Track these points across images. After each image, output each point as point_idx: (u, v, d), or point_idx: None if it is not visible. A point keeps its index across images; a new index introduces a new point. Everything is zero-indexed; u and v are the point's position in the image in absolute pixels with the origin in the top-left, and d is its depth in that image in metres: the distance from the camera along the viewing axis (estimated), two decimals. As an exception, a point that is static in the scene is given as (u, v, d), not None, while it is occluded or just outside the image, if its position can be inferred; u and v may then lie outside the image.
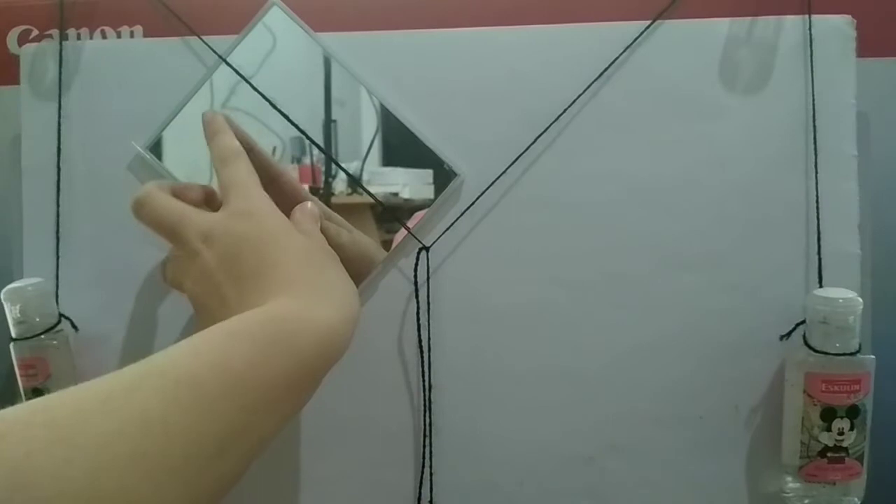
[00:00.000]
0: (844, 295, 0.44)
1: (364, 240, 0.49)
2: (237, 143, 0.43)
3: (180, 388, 0.29)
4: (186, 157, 0.49)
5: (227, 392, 0.30)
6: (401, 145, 0.49)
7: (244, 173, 0.42)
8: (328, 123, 0.49)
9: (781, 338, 0.47)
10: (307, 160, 0.50)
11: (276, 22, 0.49)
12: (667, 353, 0.48)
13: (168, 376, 0.29)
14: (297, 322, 0.35)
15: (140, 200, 0.41)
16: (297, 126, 0.48)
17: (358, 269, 0.47)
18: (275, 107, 0.48)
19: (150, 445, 0.26)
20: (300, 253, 0.39)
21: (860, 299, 0.44)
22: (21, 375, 0.47)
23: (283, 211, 0.44)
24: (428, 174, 0.49)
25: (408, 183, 0.49)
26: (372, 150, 0.49)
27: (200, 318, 0.40)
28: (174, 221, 0.40)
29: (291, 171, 0.50)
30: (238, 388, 0.30)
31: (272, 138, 0.49)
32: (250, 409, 0.31)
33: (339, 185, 0.50)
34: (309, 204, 0.45)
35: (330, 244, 0.44)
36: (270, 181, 0.46)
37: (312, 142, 0.49)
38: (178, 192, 0.44)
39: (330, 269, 0.41)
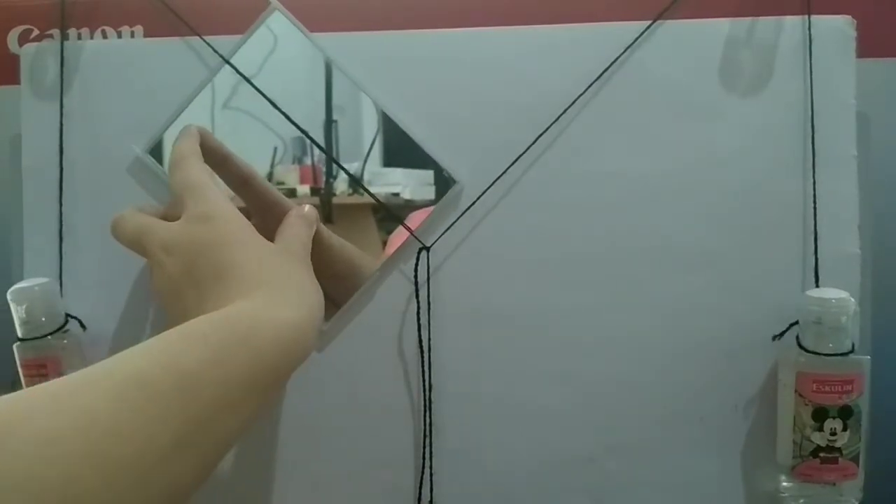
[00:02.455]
0: (837, 295, 0.44)
1: (351, 246, 0.49)
2: (187, 146, 0.43)
3: (129, 387, 0.29)
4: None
5: (179, 391, 0.30)
6: (402, 146, 0.49)
7: (196, 174, 0.41)
8: (329, 124, 0.50)
9: (774, 338, 0.47)
10: (308, 160, 0.50)
11: (277, 25, 0.49)
12: (667, 354, 0.49)
13: (116, 376, 0.29)
14: (254, 321, 0.35)
15: (113, 222, 0.43)
16: (297, 125, 0.49)
17: (342, 272, 0.48)
18: (275, 106, 0.48)
19: (97, 443, 0.27)
20: (260, 254, 0.39)
21: (853, 299, 0.44)
22: (26, 376, 0.47)
23: (259, 213, 0.46)
24: (428, 175, 0.49)
25: (408, 184, 0.49)
26: (373, 151, 0.50)
27: (170, 326, 0.40)
28: (139, 235, 0.41)
29: (291, 171, 0.50)
30: (191, 387, 0.30)
31: (273, 139, 0.50)
32: (206, 408, 0.31)
33: (340, 185, 0.50)
34: (307, 207, 0.45)
35: (320, 245, 0.45)
36: (242, 184, 0.47)
37: (313, 141, 0.49)
38: (166, 212, 0.45)
39: (293, 270, 0.40)
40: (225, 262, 0.38)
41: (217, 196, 0.41)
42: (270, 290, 0.37)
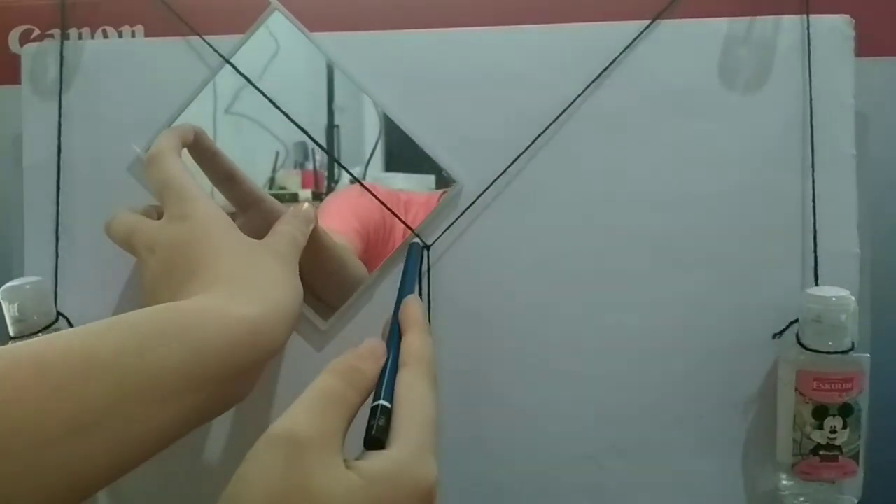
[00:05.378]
0: (837, 293, 0.44)
1: (341, 245, 0.49)
2: (164, 143, 0.43)
3: (21, 366, 0.29)
4: (186, 159, 0.49)
5: (81, 375, 0.30)
6: (403, 150, 0.49)
7: (174, 172, 0.41)
8: (331, 129, 0.50)
9: (774, 336, 0.47)
10: (310, 165, 0.50)
11: (278, 26, 0.49)
12: (667, 353, 0.49)
13: (11, 355, 0.30)
14: (199, 314, 0.34)
15: (107, 222, 0.44)
16: (299, 126, 0.49)
17: (332, 270, 0.49)
18: (276, 106, 0.48)
19: None
20: (232, 250, 0.39)
21: (853, 298, 0.44)
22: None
23: (244, 211, 0.47)
24: (430, 179, 0.49)
25: (410, 188, 0.50)
26: (375, 156, 0.50)
27: None
28: (128, 235, 0.42)
29: (293, 176, 0.51)
30: (98, 372, 0.30)
31: (275, 143, 0.50)
32: (118, 395, 0.30)
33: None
34: (305, 205, 0.46)
35: (317, 244, 0.45)
36: (226, 181, 0.47)
37: (315, 142, 0.49)
38: (149, 213, 0.45)
39: (267, 267, 0.40)
40: (198, 260, 0.38)
41: (196, 194, 0.41)
42: (231, 285, 0.37)
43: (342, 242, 0.49)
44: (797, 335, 0.45)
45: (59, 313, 0.49)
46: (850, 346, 0.44)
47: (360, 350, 0.35)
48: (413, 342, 0.37)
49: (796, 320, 0.46)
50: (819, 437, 0.44)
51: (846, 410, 0.43)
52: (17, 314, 0.46)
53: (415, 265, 0.46)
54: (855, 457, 0.44)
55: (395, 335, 0.38)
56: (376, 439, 0.31)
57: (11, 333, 0.47)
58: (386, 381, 0.34)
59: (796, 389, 0.44)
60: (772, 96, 0.48)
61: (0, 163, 0.52)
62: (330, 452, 0.29)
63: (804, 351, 0.44)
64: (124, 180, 0.50)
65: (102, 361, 0.31)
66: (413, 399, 0.33)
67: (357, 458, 0.30)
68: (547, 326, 0.49)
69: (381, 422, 0.32)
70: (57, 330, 0.48)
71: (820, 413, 0.44)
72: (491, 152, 0.48)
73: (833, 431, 0.44)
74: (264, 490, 0.28)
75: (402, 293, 0.42)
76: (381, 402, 0.33)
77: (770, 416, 0.47)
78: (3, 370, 0.29)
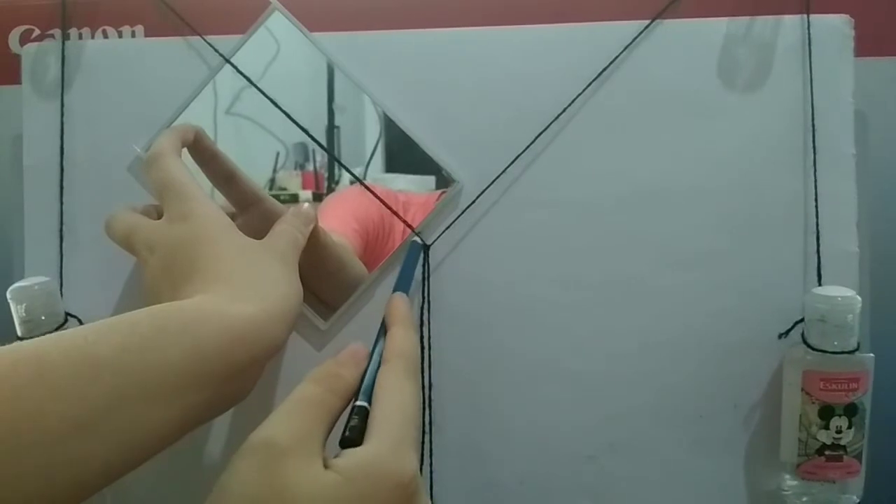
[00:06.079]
0: (843, 293, 0.44)
1: (342, 245, 0.49)
2: (164, 143, 0.43)
3: (20, 364, 0.29)
4: (186, 159, 0.49)
5: (82, 374, 0.30)
6: (403, 151, 0.49)
7: (174, 172, 0.41)
8: (331, 130, 0.50)
9: (780, 336, 0.47)
10: (310, 166, 0.50)
11: (278, 26, 0.49)
12: (667, 352, 0.48)
13: (14, 356, 0.30)
14: (200, 313, 0.34)
15: (106, 221, 0.44)
16: (299, 126, 0.49)
17: (331, 269, 0.48)
18: (276, 105, 0.48)
19: None
20: (232, 250, 0.39)
21: (859, 297, 0.44)
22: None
23: (243, 211, 0.47)
24: (430, 180, 0.49)
25: (411, 188, 0.50)
26: (375, 157, 0.50)
27: None
28: (128, 234, 0.42)
29: (294, 177, 0.51)
30: (99, 371, 0.30)
31: (275, 144, 0.50)
32: (119, 394, 0.30)
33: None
34: (305, 205, 0.46)
35: (317, 243, 0.45)
36: (226, 181, 0.48)
37: (315, 141, 0.49)
38: (149, 212, 0.45)
39: (266, 266, 0.40)
40: (198, 261, 0.38)
41: (196, 194, 0.41)
42: (231, 284, 0.37)
43: (342, 242, 0.49)
44: (802, 335, 0.45)
45: (68, 314, 0.48)
46: (856, 346, 0.44)
47: (341, 356, 0.36)
48: (394, 338, 0.38)
49: (801, 320, 0.46)
50: (825, 437, 0.43)
51: (852, 410, 0.43)
52: (24, 315, 0.46)
53: (413, 264, 0.46)
54: (858, 456, 0.44)
55: (381, 333, 0.39)
56: (349, 439, 0.32)
57: (19, 334, 0.47)
58: (366, 381, 0.35)
59: (803, 389, 0.44)
60: (772, 96, 0.48)
61: (0, 163, 0.52)
62: (308, 455, 0.30)
63: (810, 351, 0.44)
64: (124, 180, 0.50)
65: (103, 360, 0.31)
66: (391, 395, 0.34)
67: (335, 457, 0.31)
68: (546, 326, 0.49)
69: (355, 421, 0.33)
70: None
71: (826, 413, 0.43)
72: (491, 152, 0.48)
73: (839, 431, 0.43)
74: (244, 496, 0.29)
75: (395, 290, 0.43)
76: (358, 402, 0.34)
77: (772, 416, 0.47)
78: (4, 370, 0.29)
